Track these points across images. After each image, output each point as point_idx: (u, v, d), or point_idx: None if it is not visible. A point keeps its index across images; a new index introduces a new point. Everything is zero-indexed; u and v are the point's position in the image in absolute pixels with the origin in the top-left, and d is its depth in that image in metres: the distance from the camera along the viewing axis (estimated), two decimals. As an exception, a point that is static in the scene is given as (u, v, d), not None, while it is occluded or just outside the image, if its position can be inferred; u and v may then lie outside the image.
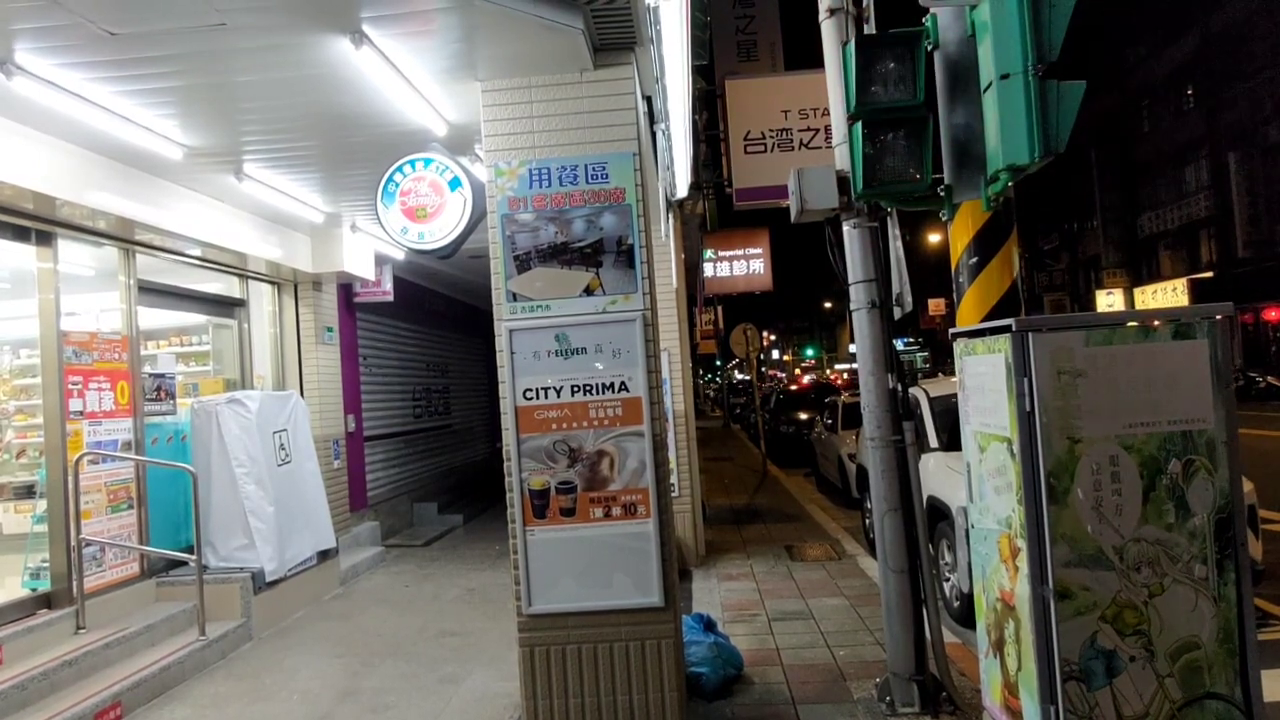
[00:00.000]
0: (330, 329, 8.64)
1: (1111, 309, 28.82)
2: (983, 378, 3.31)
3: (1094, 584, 2.94)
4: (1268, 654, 4.03)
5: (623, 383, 3.95)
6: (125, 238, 6.01)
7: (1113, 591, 2.93)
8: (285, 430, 6.86)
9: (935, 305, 34.79)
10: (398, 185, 4.81)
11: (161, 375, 6.44)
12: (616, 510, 3.95)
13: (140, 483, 6.00)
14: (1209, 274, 25.09)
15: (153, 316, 6.65)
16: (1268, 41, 21.71)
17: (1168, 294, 26.73)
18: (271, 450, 6.60)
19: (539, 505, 3.97)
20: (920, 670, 4.19)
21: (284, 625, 6.40)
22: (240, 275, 7.63)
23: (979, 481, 3.43)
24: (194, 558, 5.67)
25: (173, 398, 6.49)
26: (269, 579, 6.29)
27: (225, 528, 6.29)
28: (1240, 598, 2.96)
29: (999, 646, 3.33)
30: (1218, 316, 3.02)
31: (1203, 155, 25.46)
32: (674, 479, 7.32)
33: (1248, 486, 4.76)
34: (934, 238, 34.33)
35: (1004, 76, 3.25)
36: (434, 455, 12.05)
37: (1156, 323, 3.03)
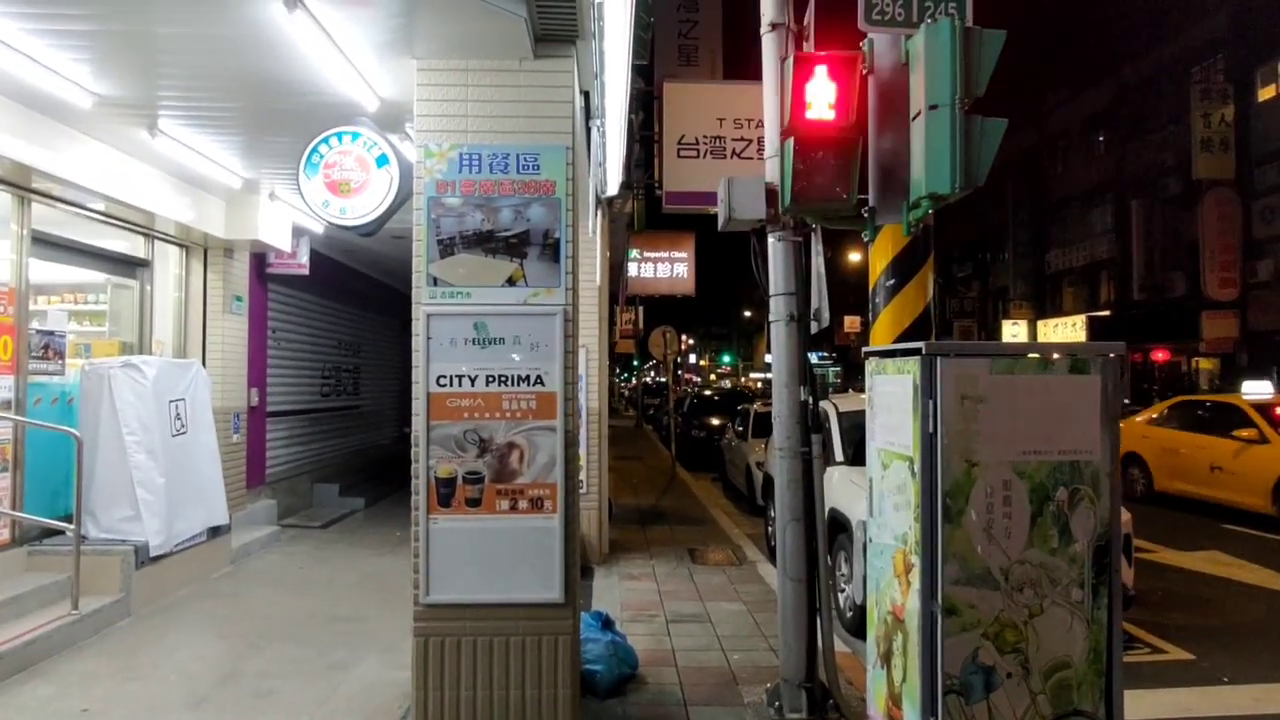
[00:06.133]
0: (239, 298, 8.33)
1: (1016, 339, 30.05)
2: (891, 397, 3.40)
3: (979, 602, 3.06)
4: (1131, 675, 4.26)
5: (539, 376, 3.92)
6: (21, 184, 5.66)
7: (996, 610, 3.06)
8: (183, 400, 6.58)
9: (850, 322, 35.63)
10: (322, 157, 4.68)
11: (51, 333, 6.09)
12: (523, 503, 3.92)
13: (18, 444, 5.67)
14: (1107, 312, 26.37)
15: (46, 270, 6.28)
16: (1174, 97, 22.97)
17: (1067, 329, 27.97)
18: (167, 420, 6.32)
19: (444, 494, 3.90)
20: (810, 677, 4.29)
21: (167, 602, 6.13)
22: (146, 235, 7.29)
23: (880, 497, 3.52)
24: (72, 527, 5.38)
25: (62, 357, 6.15)
26: (154, 553, 6.02)
27: (110, 497, 5.99)
28: (1111, 621, 3.13)
29: (886, 658, 3.43)
30: (1110, 355, 3.18)
31: (1108, 199, 26.76)
32: (583, 476, 7.31)
33: (1126, 516, 5.02)
34: (854, 257, 35.14)
35: (932, 107, 3.36)
36: (339, 436, 11.74)
37: (1056, 356, 3.17)
